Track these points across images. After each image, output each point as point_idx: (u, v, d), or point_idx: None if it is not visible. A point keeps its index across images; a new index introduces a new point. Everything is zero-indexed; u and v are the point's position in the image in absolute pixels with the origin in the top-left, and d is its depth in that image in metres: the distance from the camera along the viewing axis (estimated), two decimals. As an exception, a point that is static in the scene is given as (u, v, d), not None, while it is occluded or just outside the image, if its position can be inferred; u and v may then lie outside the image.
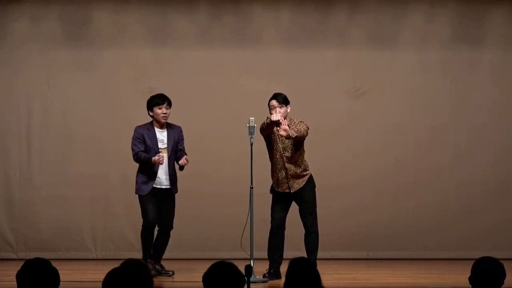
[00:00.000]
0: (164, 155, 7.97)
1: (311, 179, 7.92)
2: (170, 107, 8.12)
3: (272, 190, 7.95)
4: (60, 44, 9.83)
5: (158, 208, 8.07)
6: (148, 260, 8.06)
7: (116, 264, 3.89)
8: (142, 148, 8.02)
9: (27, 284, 3.84)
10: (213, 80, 9.62)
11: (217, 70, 9.84)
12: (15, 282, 3.88)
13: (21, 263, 3.99)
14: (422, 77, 10.01)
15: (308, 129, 7.78)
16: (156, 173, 7.98)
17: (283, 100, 7.86)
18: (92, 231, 9.85)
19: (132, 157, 8.05)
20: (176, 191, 8.12)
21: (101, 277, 3.71)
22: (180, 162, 7.94)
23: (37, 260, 3.93)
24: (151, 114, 8.12)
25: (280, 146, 7.84)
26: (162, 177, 8.03)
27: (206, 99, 9.82)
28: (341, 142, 9.80)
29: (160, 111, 8.06)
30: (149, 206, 8.02)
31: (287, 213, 7.94)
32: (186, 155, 8.06)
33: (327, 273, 7.56)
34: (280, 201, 7.91)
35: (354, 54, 9.97)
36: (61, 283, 3.94)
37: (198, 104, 9.69)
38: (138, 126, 8.17)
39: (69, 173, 9.83)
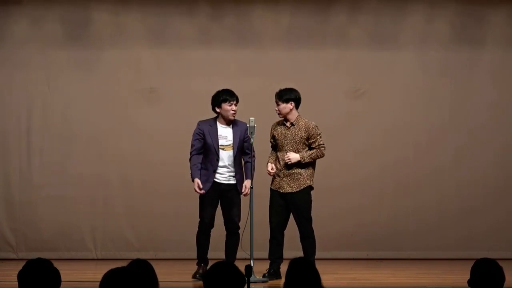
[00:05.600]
0: (230, 152, 7.79)
1: (307, 191, 7.88)
2: (237, 103, 7.85)
3: (270, 188, 7.96)
4: (60, 44, 9.84)
5: (222, 206, 7.87)
6: (202, 265, 7.86)
7: (116, 264, 3.89)
8: (200, 146, 7.78)
9: (28, 284, 3.84)
10: (213, 80, 9.61)
11: (217, 70, 9.83)
12: (16, 282, 3.88)
13: (21, 263, 3.99)
14: (422, 77, 10.02)
15: (323, 146, 7.84)
16: (216, 169, 7.76)
17: (278, 96, 7.87)
18: (92, 231, 9.86)
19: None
20: (241, 191, 7.88)
21: (101, 277, 3.71)
22: (244, 194, 7.81)
23: (39, 260, 3.93)
24: (218, 110, 7.82)
25: (283, 142, 7.86)
26: (226, 173, 7.81)
27: (206, 99, 9.77)
28: (341, 142, 9.79)
29: (230, 107, 7.77)
30: (208, 208, 7.81)
31: (286, 215, 7.92)
32: (254, 157, 7.76)
33: (327, 273, 7.55)
34: (276, 202, 7.89)
35: (354, 54, 9.97)
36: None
37: (198, 104, 9.66)
38: (200, 121, 7.88)
39: (69, 173, 9.83)
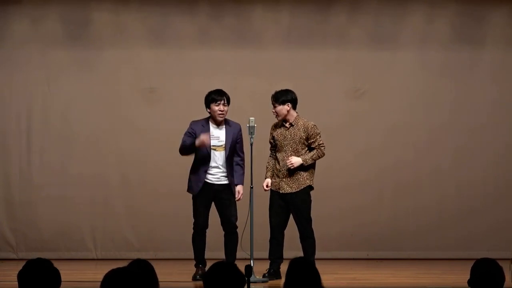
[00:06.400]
0: (222, 153, 7.76)
1: (307, 191, 7.87)
2: (227, 104, 7.76)
3: (270, 189, 7.96)
4: (60, 44, 9.84)
5: (217, 207, 7.84)
6: (200, 266, 7.85)
7: (116, 264, 3.89)
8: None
9: (28, 284, 3.84)
10: (213, 80, 9.61)
11: (217, 70, 9.83)
12: (16, 282, 3.88)
13: (21, 263, 3.99)
14: (422, 77, 10.01)
15: (323, 146, 7.83)
16: (207, 169, 7.73)
17: (274, 99, 7.87)
18: (92, 231, 9.85)
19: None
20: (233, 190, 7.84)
21: (101, 277, 3.71)
22: (237, 199, 7.80)
23: (39, 260, 3.93)
24: (208, 110, 7.79)
25: (282, 143, 7.85)
26: (219, 173, 7.77)
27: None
28: (341, 142, 9.79)
29: (217, 108, 7.71)
30: (201, 209, 7.78)
31: (286, 215, 7.91)
32: (243, 161, 7.81)
33: (327, 273, 7.56)
34: (276, 202, 7.89)
35: (354, 54, 9.97)
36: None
37: (198, 104, 9.64)
38: (193, 121, 7.86)
39: (69, 173, 9.83)
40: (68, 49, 9.84)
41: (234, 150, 7.86)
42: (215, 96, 7.79)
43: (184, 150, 7.81)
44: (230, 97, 7.87)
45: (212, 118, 7.82)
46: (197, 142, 7.68)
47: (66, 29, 9.85)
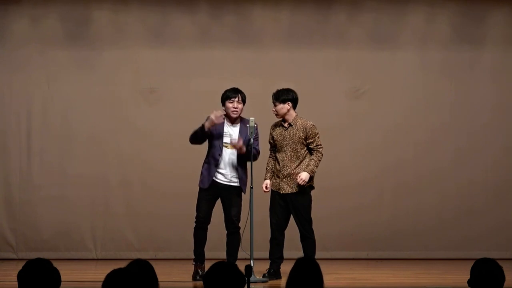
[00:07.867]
0: (233, 151, 7.71)
1: (307, 191, 7.85)
2: (243, 102, 7.78)
3: (271, 189, 7.95)
4: (60, 44, 9.84)
5: (222, 206, 7.82)
6: (198, 263, 7.82)
7: (116, 264, 3.89)
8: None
9: (28, 284, 3.84)
10: (213, 80, 9.62)
11: (217, 70, 9.83)
12: (16, 282, 3.89)
13: (21, 263, 3.99)
14: (422, 77, 10.02)
15: (321, 147, 7.81)
16: (217, 166, 7.71)
17: (275, 97, 7.87)
18: (92, 231, 9.85)
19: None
20: (244, 192, 7.80)
21: (101, 277, 3.72)
22: (233, 143, 7.65)
23: (38, 260, 3.93)
24: (223, 108, 7.79)
25: (282, 143, 7.85)
26: (228, 173, 7.73)
27: (206, 99, 9.80)
28: (341, 142, 9.80)
29: (231, 105, 7.73)
30: (203, 203, 7.77)
31: (287, 215, 7.90)
32: (258, 152, 7.70)
33: (327, 273, 7.53)
34: (276, 202, 7.88)
35: (354, 54, 9.98)
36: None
37: (198, 104, 9.68)
38: (209, 116, 7.78)
39: (69, 174, 9.83)
40: (68, 49, 9.85)
41: (246, 147, 7.75)
42: (230, 93, 7.82)
43: (193, 135, 7.76)
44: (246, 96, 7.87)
45: (227, 115, 7.81)
46: (206, 123, 7.64)
47: (66, 28, 9.85)
